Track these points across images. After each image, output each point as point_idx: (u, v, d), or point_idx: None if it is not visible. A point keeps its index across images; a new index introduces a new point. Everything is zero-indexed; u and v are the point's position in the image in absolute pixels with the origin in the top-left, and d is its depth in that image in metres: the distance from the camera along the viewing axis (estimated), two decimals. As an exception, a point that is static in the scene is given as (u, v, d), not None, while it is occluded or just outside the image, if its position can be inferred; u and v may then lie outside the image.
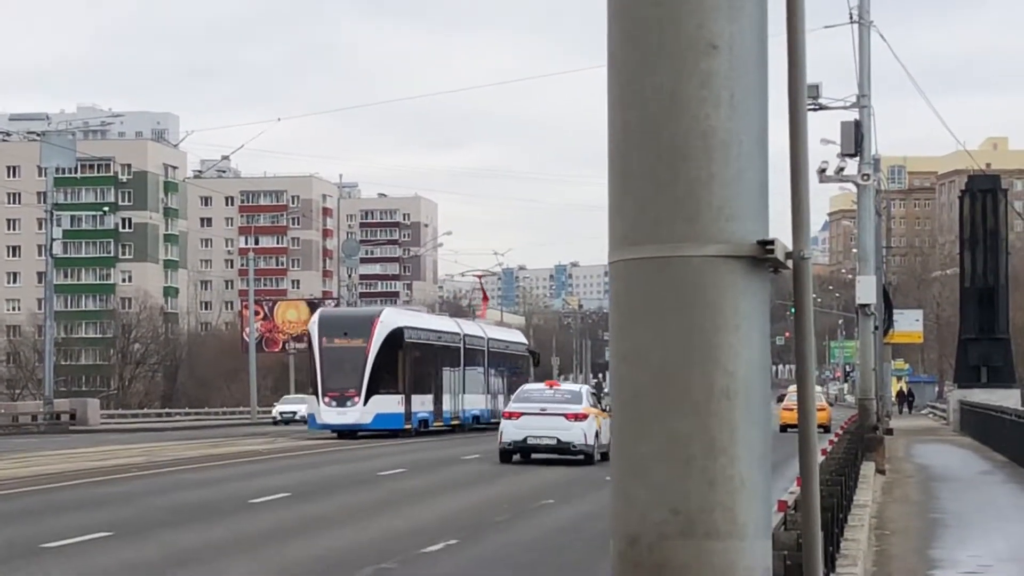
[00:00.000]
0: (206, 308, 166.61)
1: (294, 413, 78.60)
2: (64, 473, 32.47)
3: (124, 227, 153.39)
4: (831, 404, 78.39)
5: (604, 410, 36.86)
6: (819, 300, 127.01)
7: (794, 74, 3.54)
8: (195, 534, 19.86)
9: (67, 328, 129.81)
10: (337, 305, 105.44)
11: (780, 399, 64.44)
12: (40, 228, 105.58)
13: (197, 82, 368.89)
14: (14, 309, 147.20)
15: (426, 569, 16.68)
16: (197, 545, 18.67)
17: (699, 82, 3.18)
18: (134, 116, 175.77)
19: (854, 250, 65.53)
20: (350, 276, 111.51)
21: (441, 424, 58.08)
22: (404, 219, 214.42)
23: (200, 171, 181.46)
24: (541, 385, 40.27)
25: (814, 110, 34.88)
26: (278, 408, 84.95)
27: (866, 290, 37.68)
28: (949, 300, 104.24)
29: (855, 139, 35.14)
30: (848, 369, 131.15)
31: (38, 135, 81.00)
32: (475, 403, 63.01)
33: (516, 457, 35.92)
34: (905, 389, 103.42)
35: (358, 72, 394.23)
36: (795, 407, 3.70)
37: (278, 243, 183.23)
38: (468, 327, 66.33)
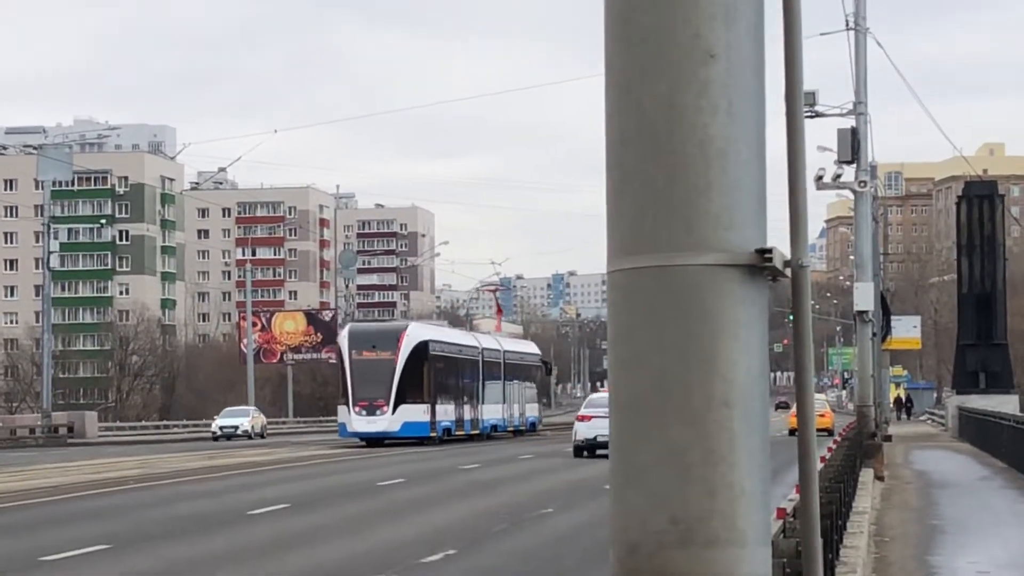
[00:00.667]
0: (203, 320, 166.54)
1: (235, 427, 72.66)
2: (62, 486, 32.46)
3: (121, 239, 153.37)
4: (833, 411, 79.07)
5: None
6: (817, 307, 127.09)
7: (791, 82, 3.54)
8: (193, 546, 19.84)
9: (65, 341, 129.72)
10: (334, 316, 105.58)
11: (780, 406, 65.02)
12: (37, 241, 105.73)
13: (194, 92, 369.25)
14: (12, 322, 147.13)
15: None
16: (195, 557, 18.66)
17: (697, 90, 3.18)
18: (131, 129, 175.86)
19: (851, 257, 65.48)
20: (347, 287, 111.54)
21: (463, 433, 61.12)
22: (401, 229, 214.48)
23: (197, 183, 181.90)
24: (607, 393, 42.76)
25: (810, 117, 34.87)
26: (218, 422, 75.03)
27: (864, 297, 37.68)
28: (947, 306, 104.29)
29: (852, 146, 35.12)
30: (846, 376, 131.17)
31: (35, 148, 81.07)
32: (493, 413, 65.99)
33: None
34: (903, 395, 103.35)
35: (356, 82, 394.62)
36: None
37: (275, 254, 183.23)
38: (486, 340, 69.19)
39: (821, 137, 56.00)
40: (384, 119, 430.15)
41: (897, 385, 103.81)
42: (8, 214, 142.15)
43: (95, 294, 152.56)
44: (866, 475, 28.00)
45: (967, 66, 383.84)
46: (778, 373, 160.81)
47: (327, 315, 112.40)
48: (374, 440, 55.22)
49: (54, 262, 73.77)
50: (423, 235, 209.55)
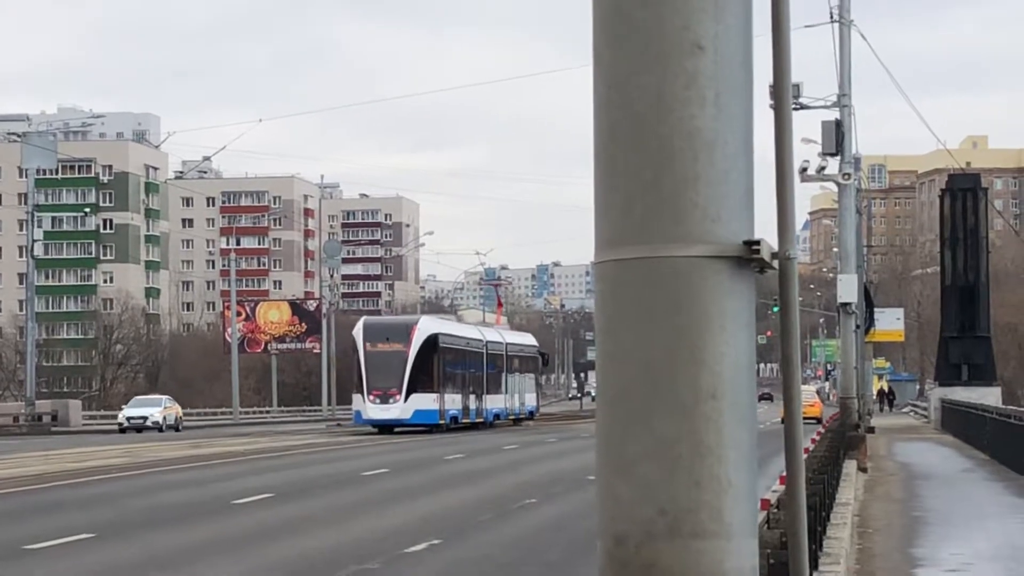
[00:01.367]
0: (188, 309, 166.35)
1: (144, 419, 66.85)
2: (46, 474, 32.41)
3: (105, 228, 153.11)
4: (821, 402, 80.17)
5: None
6: (800, 299, 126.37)
7: (779, 74, 3.54)
8: (177, 535, 19.83)
9: (49, 329, 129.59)
10: (319, 306, 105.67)
11: (763, 397, 65.56)
12: (21, 229, 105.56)
13: (179, 82, 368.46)
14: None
15: (409, 569, 16.68)
16: (179, 546, 18.65)
17: (685, 82, 3.18)
18: (115, 117, 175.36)
19: (835, 249, 65.67)
20: (332, 276, 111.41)
21: (468, 421, 64.42)
22: (386, 219, 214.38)
23: (181, 172, 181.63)
24: None
25: (795, 109, 34.89)
26: (125, 412, 69.32)
27: (847, 289, 37.74)
28: (930, 298, 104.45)
29: (836, 138, 35.17)
30: (830, 368, 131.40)
31: (19, 136, 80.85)
32: (496, 402, 69.58)
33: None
34: (886, 387, 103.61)
35: (341, 73, 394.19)
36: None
37: (260, 244, 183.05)
38: (489, 333, 72.44)
39: (805, 129, 56.04)
40: (369, 109, 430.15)
41: (880, 377, 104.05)
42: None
43: (79, 282, 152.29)
44: (849, 467, 28.04)
45: (951, 60, 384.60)
46: (762, 364, 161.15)
47: (312, 305, 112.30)
48: (386, 427, 58.27)
49: (38, 250, 73.68)
50: (408, 225, 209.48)
